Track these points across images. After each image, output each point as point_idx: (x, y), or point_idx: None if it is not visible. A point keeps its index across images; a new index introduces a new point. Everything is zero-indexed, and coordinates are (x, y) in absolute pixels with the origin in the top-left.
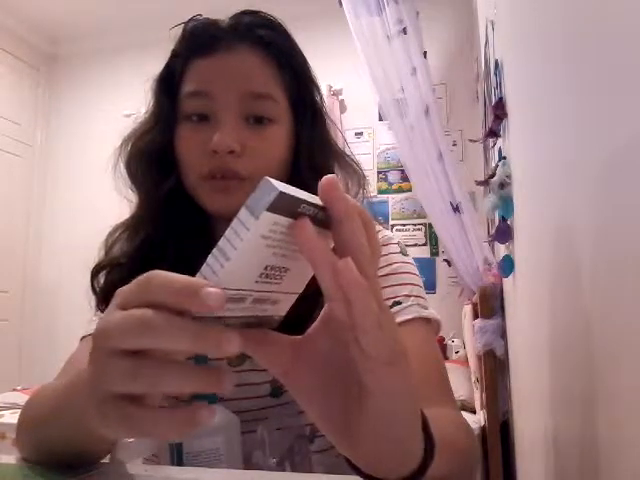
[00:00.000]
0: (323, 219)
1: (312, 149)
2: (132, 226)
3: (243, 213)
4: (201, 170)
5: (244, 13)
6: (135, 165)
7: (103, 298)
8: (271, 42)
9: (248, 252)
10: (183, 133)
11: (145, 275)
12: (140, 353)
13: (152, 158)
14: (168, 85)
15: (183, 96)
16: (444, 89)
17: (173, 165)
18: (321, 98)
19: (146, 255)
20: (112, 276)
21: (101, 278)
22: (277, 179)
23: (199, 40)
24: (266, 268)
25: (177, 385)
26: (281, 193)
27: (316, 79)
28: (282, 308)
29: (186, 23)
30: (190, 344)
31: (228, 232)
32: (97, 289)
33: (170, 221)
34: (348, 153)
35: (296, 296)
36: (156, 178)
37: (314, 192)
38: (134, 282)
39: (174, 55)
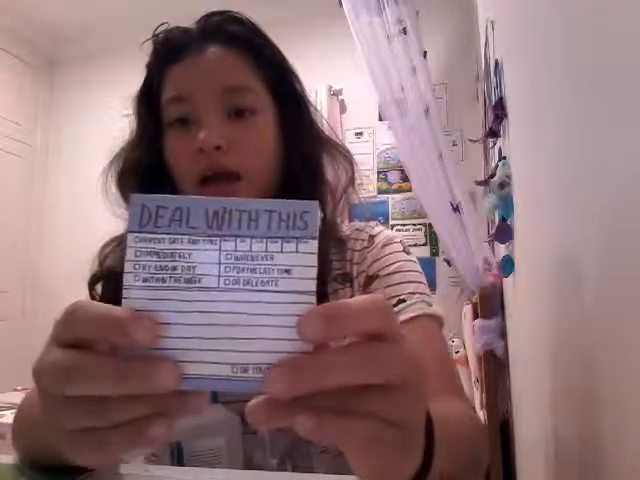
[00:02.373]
0: None
1: (299, 138)
2: None
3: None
4: (193, 173)
5: (211, 14)
6: (128, 182)
7: None
8: (242, 37)
9: None
10: (169, 140)
11: (71, 305)
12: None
13: (144, 172)
14: (149, 99)
15: (164, 104)
16: (444, 89)
17: (166, 176)
18: (302, 87)
19: None
20: (111, 285)
21: (99, 288)
22: (268, 171)
23: (170, 48)
24: None
25: (142, 411)
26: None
27: (294, 69)
28: None
29: (156, 35)
30: (114, 387)
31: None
32: (96, 298)
33: None
34: (336, 139)
35: None
36: (150, 191)
37: (305, 183)
38: (63, 313)
39: (149, 68)
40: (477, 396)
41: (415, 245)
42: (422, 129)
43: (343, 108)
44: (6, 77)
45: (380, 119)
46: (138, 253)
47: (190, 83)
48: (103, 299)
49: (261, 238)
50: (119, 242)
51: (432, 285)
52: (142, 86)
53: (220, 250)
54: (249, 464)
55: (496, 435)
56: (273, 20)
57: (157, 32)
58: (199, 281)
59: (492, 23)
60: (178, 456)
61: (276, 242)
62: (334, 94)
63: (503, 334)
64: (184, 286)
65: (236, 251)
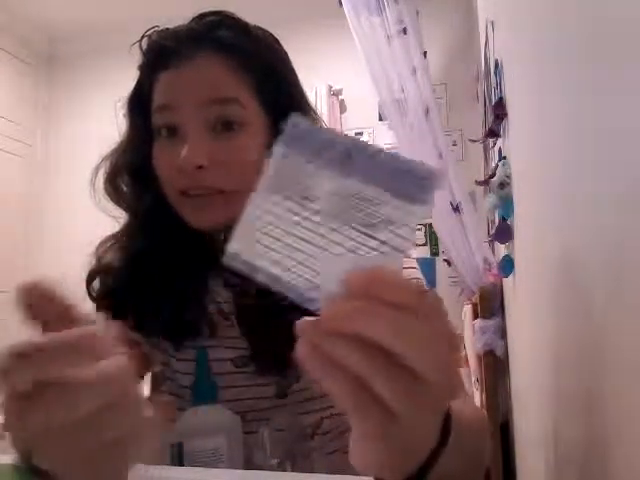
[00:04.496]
0: None
1: None
2: (123, 239)
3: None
4: (175, 188)
5: (205, 15)
6: (119, 183)
7: (100, 303)
8: (232, 43)
9: None
10: (156, 150)
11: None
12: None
13: (136, 174)
14: (141, 102)
15: (153, 111)
16: (444, 89)
17: (156, 178)
18: (300, 94)
19: (140, 263)
20: (107, 281)
21: (96, 285)
22: (253, 184)
23: (160, 54)
24: None
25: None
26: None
27: (292, 74)
28: None
29: (148, 37)
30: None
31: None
32: (93, 295)
33: (162, 234)
34: None
35: None
36: (141, 194)
37: None
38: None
39: (141, 71)
40: (477, 396)
41: (415, 245)
42: (422, 129)
43: (343, 108)
44: (6, 77)
45: (380, 119)
46: (280, 165)
47: (176, 92)
48: (100, 294)
49: (379, 185)
50: (116, 240)
51: (432, 285)
52: (134, 88)
53: (340, 184)
54: (249, 464)
55: (496, 435)
56: (273, 20)
57: (147, 34)
58: (314, 202)
59: (492, 23)
60: (178, 456)
61: (390, 194)
62: (334, 94)
63: (503, 334)
64: (301, 202)
65: (353, 188)
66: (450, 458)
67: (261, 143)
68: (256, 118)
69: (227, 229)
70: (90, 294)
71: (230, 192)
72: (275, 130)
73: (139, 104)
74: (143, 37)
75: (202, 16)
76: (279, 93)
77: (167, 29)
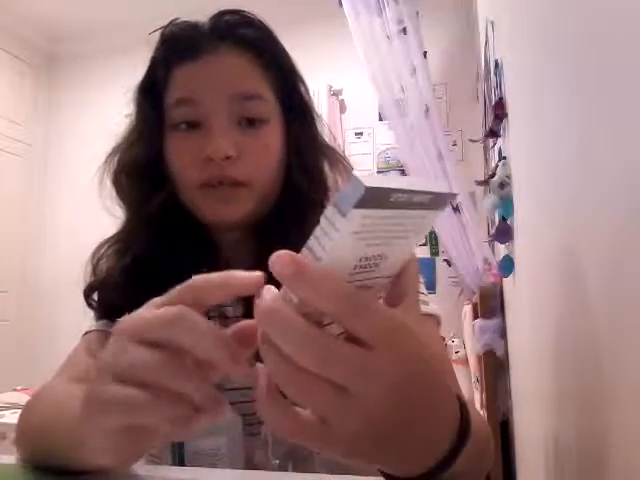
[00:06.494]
0: (423, 201)
1: (301, 147)
2: (121, 242)
3: (330, 212)
4: (196, 179)
5: (224, 13)
6: (123, 180)
7: (101, 314)
8: (253, 41)
9: (340, 250)
10: (173, 143)
11: (175, 312)
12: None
13: (141, 172)
14: (151, 94)
15: (169, 105)
16: (444, 89)
17: (164, 177)
18: (309, 95)
19: (141, 271)
20: (106, 293)
21: (95, 295)
22: (272, 180)
23: (180, 45)
24: (360, 260)
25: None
26: (368, 189)
27: (301, 75)
28: (377, 290)
29: (164, 28)
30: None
31: (317, 232)
32: (94, 305)
33: (165, 236)
34: (337, 149)
35: (392, 278)
36: (147, 192)
37: (306, 190)
38: (161, 314)
39: (154, 62)
40: (477, 396)
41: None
42: (422, 129)
43: (343, 108)
44: (6, 77)
45: (380, 119)
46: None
47: (200, 86)
48: (101, 306)
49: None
50: (112, 243)
51: (432, 285)
52: (145, 79)
53: None
54: (250, 464)
55: (496, 435)
56: (273, 20)
57: (167, 25)
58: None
59: (492, 23)
60: (179, 456)
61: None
62: (334, 94)
63: (503, 334)
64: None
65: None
66: (463, 457)
67: (280, 139)
68: (275, 114)
69: (241, 227)
70: (90, 306)
71: (252, 186)
72: (286, 129)
73: (150, 96)
74: (163, 27)
75: (220, 14)
76: (292, 90)
77: (186, 22)
